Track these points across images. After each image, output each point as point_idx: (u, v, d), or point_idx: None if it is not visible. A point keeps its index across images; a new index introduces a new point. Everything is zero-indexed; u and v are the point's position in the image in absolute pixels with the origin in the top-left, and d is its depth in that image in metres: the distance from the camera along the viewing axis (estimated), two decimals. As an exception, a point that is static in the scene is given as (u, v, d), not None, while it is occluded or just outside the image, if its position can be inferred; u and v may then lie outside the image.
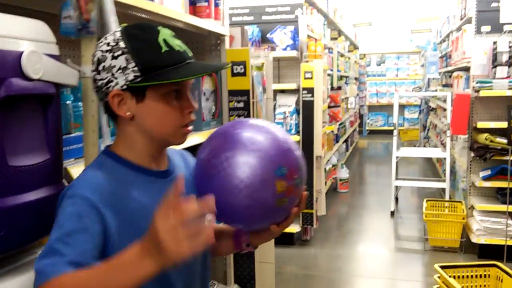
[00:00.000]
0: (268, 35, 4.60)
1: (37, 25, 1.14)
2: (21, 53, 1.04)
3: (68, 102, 1.52)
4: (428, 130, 8.55)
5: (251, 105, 2.68)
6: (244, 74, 2.67)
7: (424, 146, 8.64)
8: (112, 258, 0.86)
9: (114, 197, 1.00)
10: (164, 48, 1.02)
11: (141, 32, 1.04)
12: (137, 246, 0.84)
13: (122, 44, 1.02)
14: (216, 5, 2.57)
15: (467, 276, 2.69)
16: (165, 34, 1.04)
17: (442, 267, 2.63)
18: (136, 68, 1.01)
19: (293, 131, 4.55)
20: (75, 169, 1.42)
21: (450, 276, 2.56)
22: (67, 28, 1.38)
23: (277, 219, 1.10)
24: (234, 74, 2.68)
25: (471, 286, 2.70)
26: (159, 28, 1.05)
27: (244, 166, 1.02)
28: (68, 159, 1.44)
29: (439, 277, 2.60)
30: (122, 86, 1.02)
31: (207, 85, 2.53)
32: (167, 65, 1.02)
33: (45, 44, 1.14)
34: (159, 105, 1.04)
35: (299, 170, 1.08)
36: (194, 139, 2.31)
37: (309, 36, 4.87)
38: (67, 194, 0.99)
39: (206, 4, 2.48)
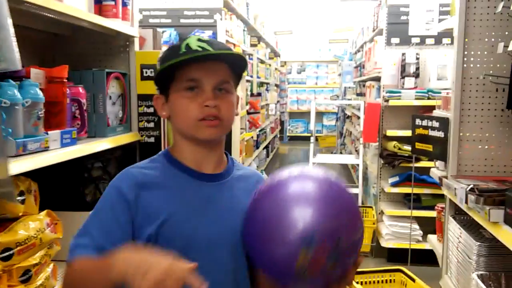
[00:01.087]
0: (185, 39, 4.51)
1: None
2: None
3: None
4: (344, 137, 8.84)
5: (161, 110, 2.58)
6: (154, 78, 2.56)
7: (341, 153, 8.92)
8: (103, 257, 0.99)
9: (145, 188, 1.10)
10: (182, 50, 1.10)
11: (173, 44, 1.20)
12: (113, 258, 0.93)
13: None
14: (124, 4, 2.45)
15: (374, 282, 2.76)
16: (190, 39, 1.12)
17: (351, 273, 2.67)
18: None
19: (210, 137, 4.48)
20: None
21: (357, 282, 2.61)
22: None
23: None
24: (143, 78, 2.57)
25: (378, 291, 2.77)
26: (190, 36, 1.14)
27: (273, 217, 0.99)
28: None
29: (347, 283, 2.64)
30: (157, 90, 1.20)
31: (113, 88, 2.40)
32: (183, 61, 1.09)
33: None
34: (178, 100, 1.12)
35: (336, 247, 0.96)
36: (98, 145, 2.17)
37: (228, 42, 4.84)
38: (108, 185, 1.14)
39: (112, 3, 2.36)
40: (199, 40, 1.12)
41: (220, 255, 1.12)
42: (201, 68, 1.11)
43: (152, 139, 2.58)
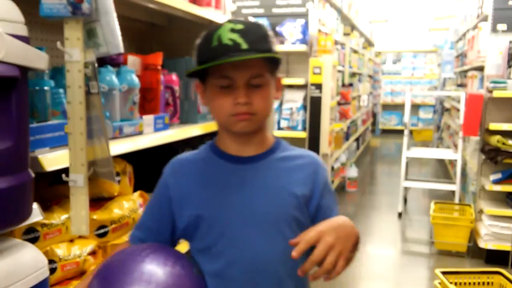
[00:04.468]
0: (277, 28, 4.50)
1: (2, 4, 1.07)
2: (-21, 32, 0.98)
3: (46, 88, 1.46)
4: (442, 131, 8.38)
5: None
6: (244, 66, 2.58)
7: (437, 147, 8.48)
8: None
9: (185, 175, 1.19)
10: (215, 43, 1.08)
11: (207, 30, 1.14)
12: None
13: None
14: (217, -7, 2.49)
15: (470, 283, 2.58)
16: (222, 30, 1.09)
17: (444, 273, 2.53)
18: (195, 61, 1.15)
19: (299, 127, 4.45)
20: (49, 158, 1.36)
21: (451, 283, 2.46)
22: (51, 9, 1.32)
23: None
24: (234, 66, 2.60)
25: (474, 294, 2.59)
26: (224, 24, 1.11)
27: None
28: (41, 147, 1.38)
29: (439, 283, 2.50)
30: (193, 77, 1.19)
31: (204, 76, 2.45)
32: (214, 57, 1.07)
33: (10, 24, 1.08)
34: (213, 95, 1.13)
35: None
36: (189, 131, 2.24)
37: (320, 31, 4.76)
38: None
39: (206, -8, 2.41)
40: (232, 30, 1.08)
41: (254, 234, 1.14)
42: (231, 64, 1.09)
43: (241, 127, 2.61)
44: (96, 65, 1.33)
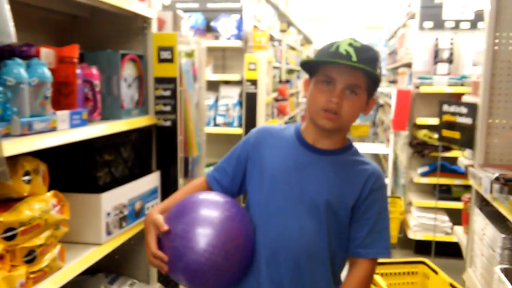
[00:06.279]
0: (211, 23, 4.45)
1: None
2: None
3: None
4: (377, 126, 8.64)
5: (178, 93, 2.54)
6: (171, 60, 2.52)
7: (373, 142, 8.73)
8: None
9: (265, 141, 1.45)
10: (332, 49, 1.30)
11: (333, 41, 1.35)
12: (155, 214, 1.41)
13: None
14: (142, -15, 2.41)
15: (396, 273, 2.66)
16: (343, 42, 1.31)
17: (371, 264, 2.58)
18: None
19: (235, 123, 4.42)
20: None
21: (377, 273, 2.51)
22: None
23: None
24: (160, 60, 2.53)
25: (399, 283, 2.66)
26: (347, 38, 1.32)
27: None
28: None
29: (367, 274, 2.55)
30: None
31: (128, 70, 2.37)
32: (327, 57, 1.31)
33: None
34: (314, 88, 1.35)
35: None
36: (110, 127, 2.15)
37: (255, 27, 4.75)
38: None
39: (129, -16, 2.32)
40: (350, 44, 1.29)
41: (292, 216, 1.35)
42: (338, 69, 1.29)
43: (168, 123, 2.55)
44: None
